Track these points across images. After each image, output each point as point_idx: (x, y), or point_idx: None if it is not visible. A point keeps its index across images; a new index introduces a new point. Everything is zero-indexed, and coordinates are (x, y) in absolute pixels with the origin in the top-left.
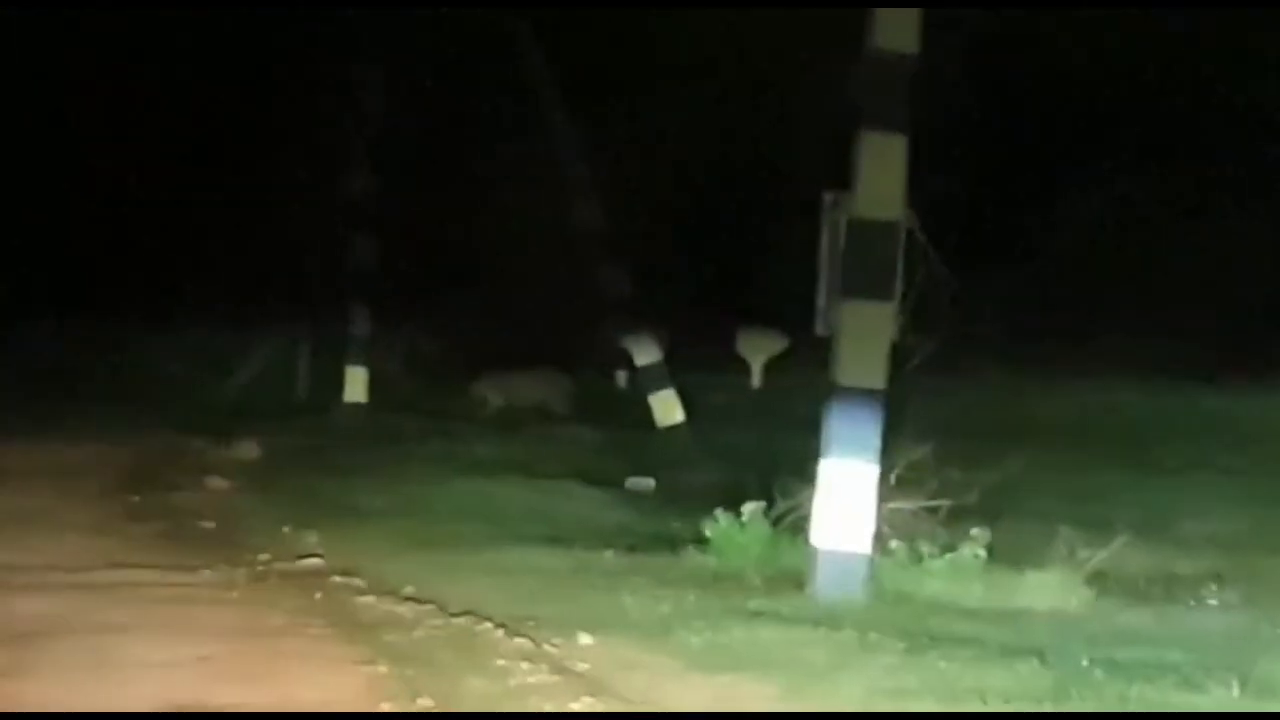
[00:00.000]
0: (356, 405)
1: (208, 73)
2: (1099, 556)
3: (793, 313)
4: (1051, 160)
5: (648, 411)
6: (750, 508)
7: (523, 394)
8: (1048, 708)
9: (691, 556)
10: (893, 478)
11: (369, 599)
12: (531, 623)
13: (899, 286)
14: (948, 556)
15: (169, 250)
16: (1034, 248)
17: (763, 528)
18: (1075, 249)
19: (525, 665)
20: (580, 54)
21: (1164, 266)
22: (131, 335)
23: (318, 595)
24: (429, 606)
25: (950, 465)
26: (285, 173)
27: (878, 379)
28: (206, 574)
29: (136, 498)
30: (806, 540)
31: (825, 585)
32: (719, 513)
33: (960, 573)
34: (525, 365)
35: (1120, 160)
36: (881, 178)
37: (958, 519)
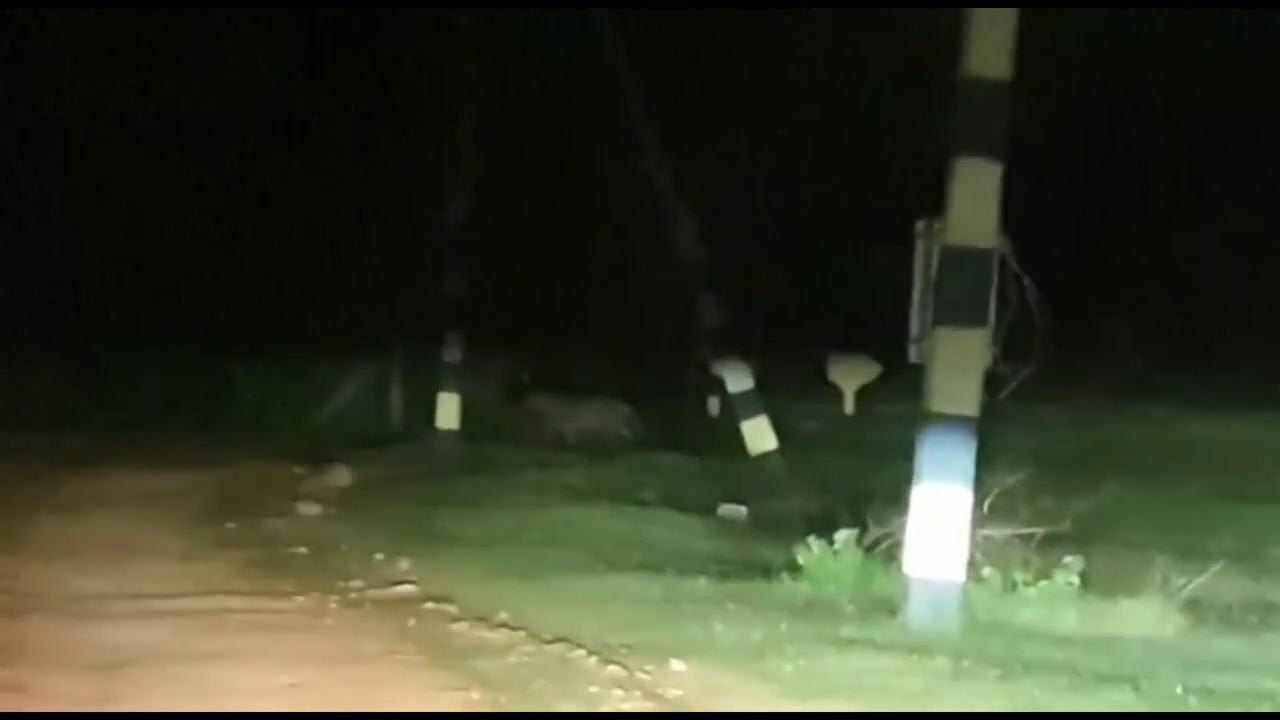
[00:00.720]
0: (449, 432)
1: (303, 106)
2: (1193, 584)
3: (886, 340)
4: (1156, 188)
5: (740, 439)
6: (843, 535)
7: (579, 420)
8: None
9: (784, 584)
10: (986, 505)
11: (462, 625)
12: (624, 650)
13: (992, 314)
14: (1041, 584)
15: (264, 279)
16: (1133, 276)
17: (855, 555)
18: (1174, 277)
19: (618, 692)
20: (675, 83)
21: (1263, 294)
22: (228, 363)
23: (410, 622)
24: (521, 633)
25: (1044, 493)
26: (379, 201)
27: (971, 406)
28: (299, 601)
29: (230, 524)
30: (899, 567)
31: (918, 613)
32: (812, 540)
33: (1054, 600)
34: (589, 393)
35: (1226, 188)
36: (975, 205)
37: (1051, 546)
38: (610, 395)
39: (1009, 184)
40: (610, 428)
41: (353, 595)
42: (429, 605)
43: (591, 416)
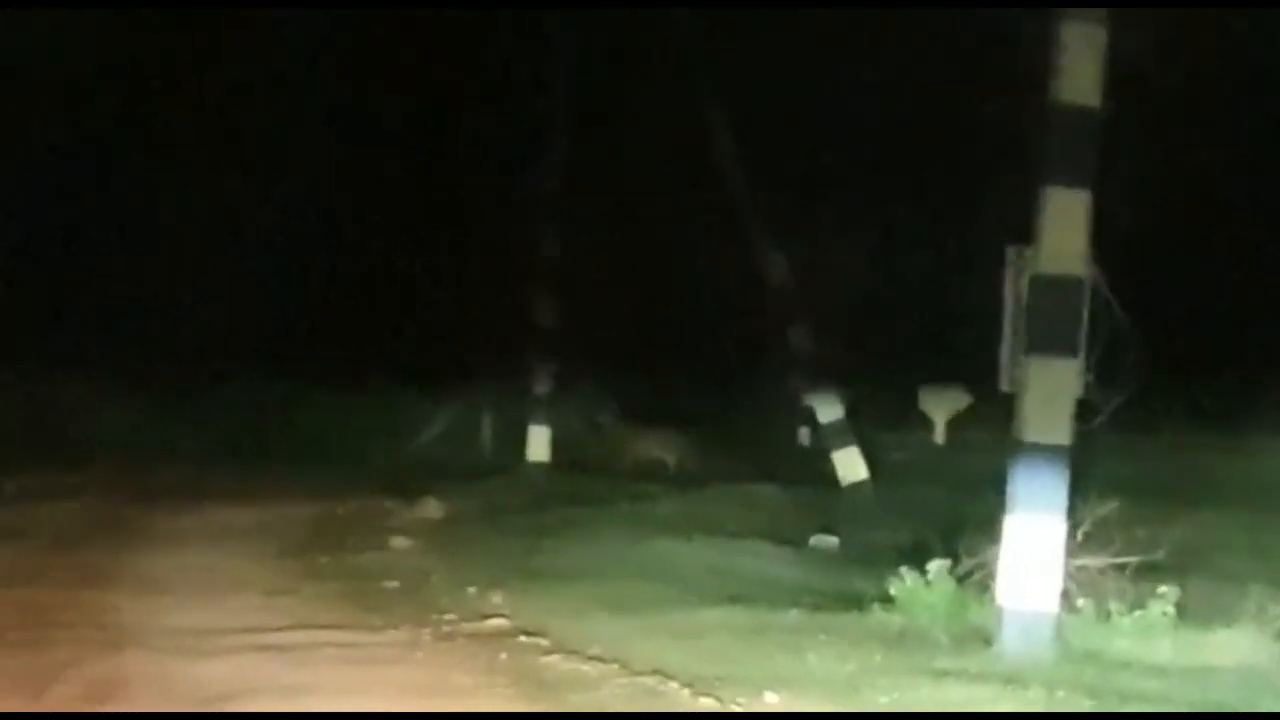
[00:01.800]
0: (539, 464)
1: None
2: None
3: (976, 369)
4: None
5: (831, 469)
6: (935, 565)
7: (639, 449)
8: None
9: (876, 615)
10: (1079, 534)
11: (554, 659)
12: (717, 682)
13: (1084, 342)
14: (1135, 614)
15: (358, 311)
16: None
17: (948, 585)
18: (1266, 304)
19: None
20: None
21: None
22: (320, 396)
23: (503, 655)
24: (614, 666)
25: (1137, 522)
26: (472, 233)
27: (1063, 435)
28: (391, 634)
29: (322, 558)
30: (992, 598)
31: (1012, 643)
32: (904, 570)
33: (1148, 630)
34: (656, 423)
35: None
36: (1065, 233)
37: (1145, 576)
38: (694, 426)
39: (1100, 210)
40: (667, 458)
41: (445, 629)
42: (521, 638)
43: (652, 446)
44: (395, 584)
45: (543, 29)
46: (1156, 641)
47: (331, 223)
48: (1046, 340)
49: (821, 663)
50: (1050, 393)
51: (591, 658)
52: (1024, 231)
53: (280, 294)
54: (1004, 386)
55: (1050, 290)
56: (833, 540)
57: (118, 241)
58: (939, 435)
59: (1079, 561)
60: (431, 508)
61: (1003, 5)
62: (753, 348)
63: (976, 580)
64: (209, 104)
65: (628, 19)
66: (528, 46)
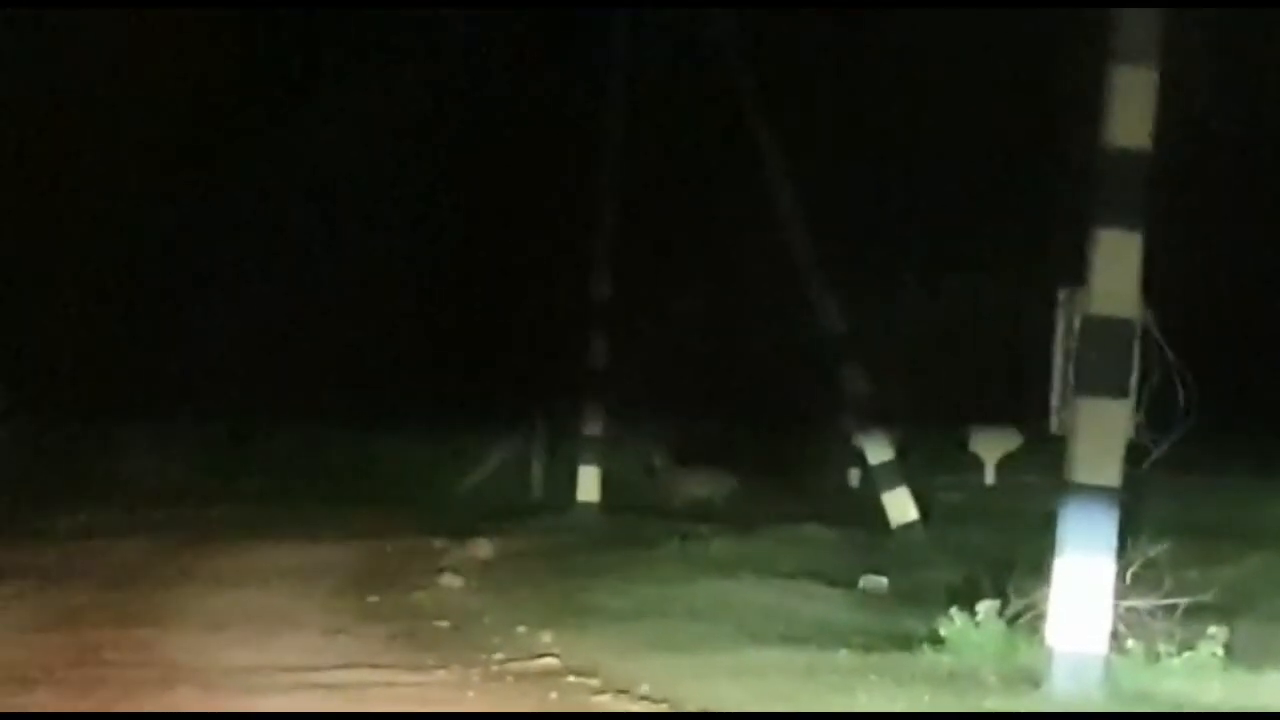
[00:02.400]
0: (589, 504)
1: (449, 181)
2: None
3: (1027, 410)
4: None
5: (881, 510)
6: (985, 606)
7: (691, 488)
8: None
9: (926, 655)
10: (1128, 576)
11: (604, 698)
12: None
13: (1135, 384)
14: (1185, 655)
15: (409, 350)
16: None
17: (998, 627)
18: None
19: None
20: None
21: None
22: (372, 436)
23: (553, 695)
24: (664, 705)
25: (1187, 563)
26: (523, 274)
27: (1113, 477)
28: (441, 674)
29: (372, 598)
30: (1042, 639)
31: (1061, 684)
32: (954, 611)
33: (1198, 672)
34: (707, 463)
35: None
36: (1116, 275)
37: (1195, 617)
38: (745, 467)
39: (1151, 251)
40: (717, 497)
41: (495, 668)
42: (571, 678)
43: (699, 485)
44: (446, 623)
45: (595, 68)
46: (1206, 683)
47: (385, 263)
48: (1097, 382)
49: (872, 702)
50: (1101, 434)
51: (641, 697)
52: (1078, 273)
53: (334, 335)
54: (1054, 428)
55: (1101, 332)
56: (882, 581)
57: (174, 282)
58: (989, 476)
59: (1129, 603)
60: (482, 547)
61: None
62: (804, 389)
63: (1026, 621)
64: (270, 138)
65: (680, 54)
66: (581, 86)
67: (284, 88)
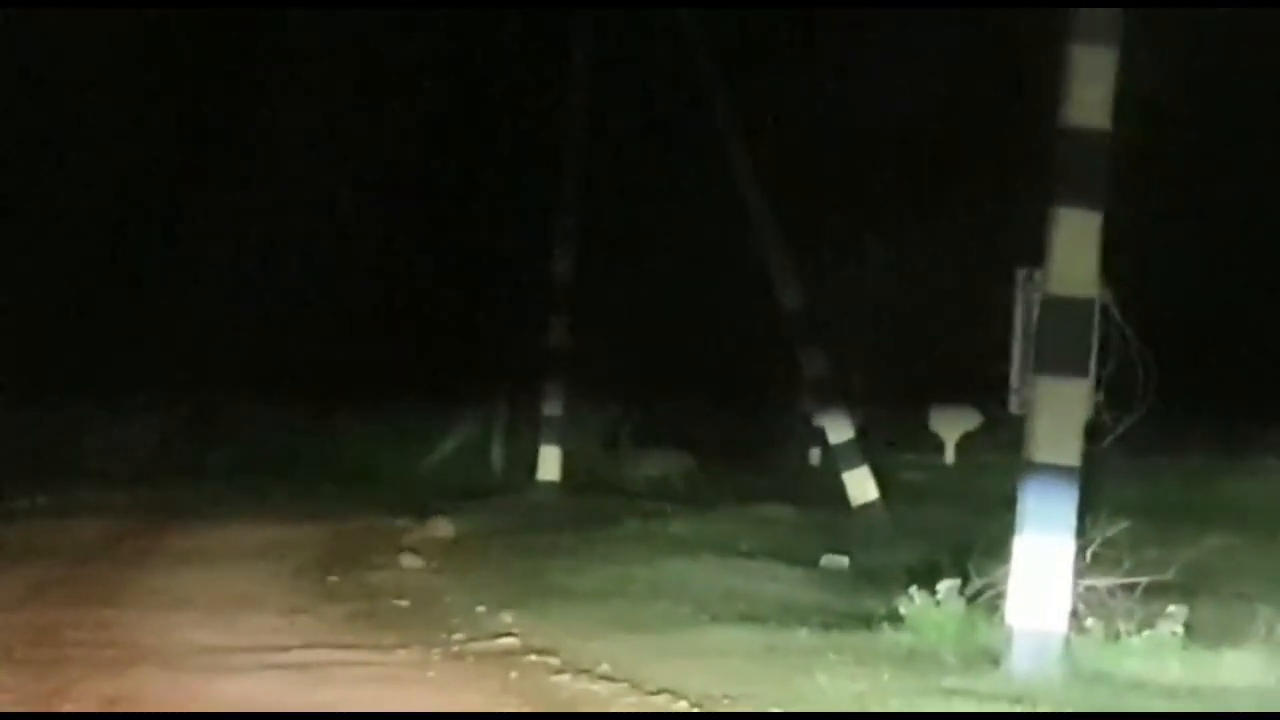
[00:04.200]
0: (550, 484)
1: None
2: None
3: (986, 390)
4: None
5: (842, 489)
6: (945, 585)
7: (642, 468)
8: None
9: (886, 635)
10: (1089, 555)
11: (564, 678)
12: (726, 701)
13: (1094, 363)
14: (1145, 634)
15: (369, 330)
16: (1237, 323)
17: (958, 606)
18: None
19: None
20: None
21: None
22: (334, 416)
23: (513, 674)
24: (624, 685)
25: (1146, 543)
26: (483, 254)
27: (1073, 456)
28: (402, 654)
29: (333, 577)
30: (1002, 618)
31: (1021, 663)
32: (914, 590)
33: (1157, 651)
34: (655, 445)
35: None
36: (1076, 255)
37: (1154, 597)
38: (705, 446)
39: (1110, 231)
40: (672, 479)
41: (456, 648)
42: (531, 658)
43: (654, 465)
44: (406, 603)
45: (560, 47)
46: (1166, 662)
47: (346, 244)
48: (1056, 361)
49: (831, 682)
50: (1060, 414)
51: (601, 677)
52: (1036, 252)
53: (295, 315)
54: (1014, 408)
55: (1061, 312)
56: (843, 560)
57: (139, 261)
58: (949, 456)
59: (1088, 582)
60: (442, 527)
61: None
62: (765, 369)
63: (986, 600)
64: (233, 121)
65: (643, 33)
66: (545, 67)
67: (247, 75)
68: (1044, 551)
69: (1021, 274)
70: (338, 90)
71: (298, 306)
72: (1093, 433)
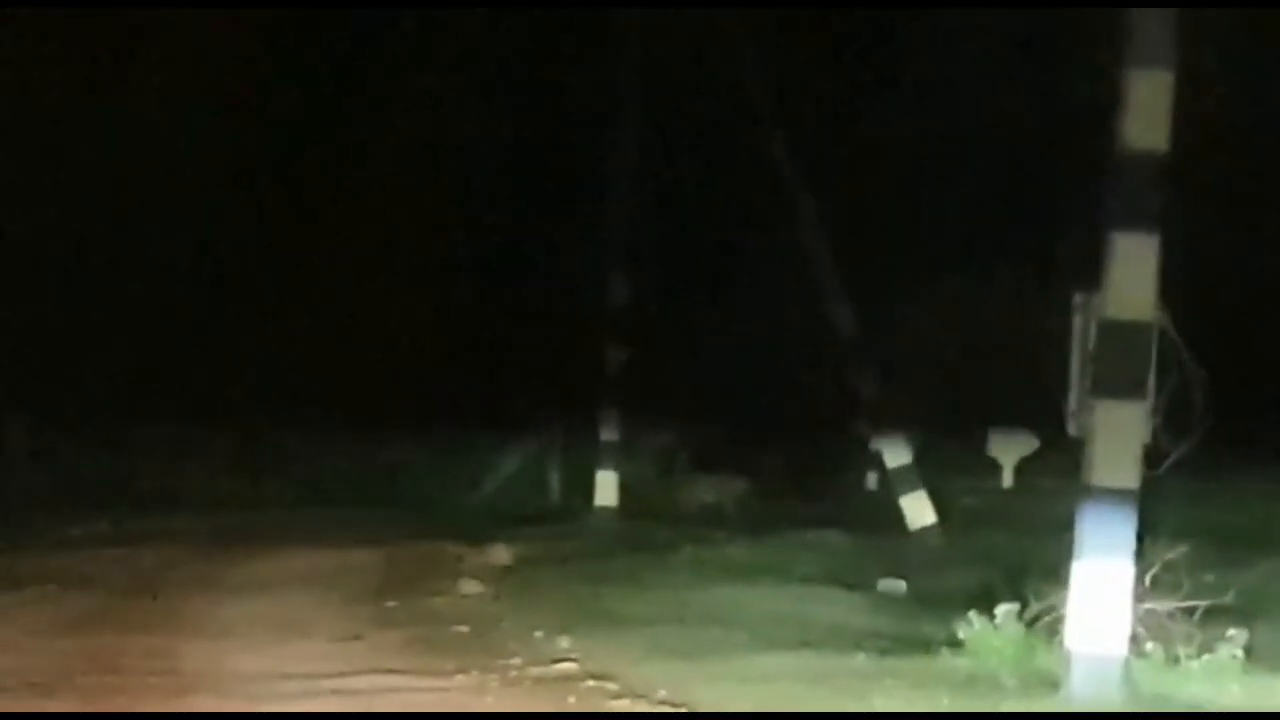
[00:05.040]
0: (607, 509)
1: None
2: None
3: (1044, 414)
4: None
5: (899, 514)
6: (1004, 610)
7: (696, 494)
8: None
9: (944, 659)
10: (1147, 579)
11: (622, 703)
12: None
13: (1152, 387)
14: (1205, 658)
15: (425, 357)
16: None
17: (1016, 630)
18: None
19: None
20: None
21: None
22: (388, 441)
23: (571, 699)
24: (682, 709)
25: (1205, 566)
26: (539, 280)
27: (1131, 479)
28: (460, 679)
29: (390, 603)
30: (1061, 642)
31: (1080, 688)
32: (972, 615)
33: (1218, 674)
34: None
35: None
36: (1133, 279)
37: (1214, 620)
38: (762, 472)
39: (1166, 252)
40: (725, 504)
41: (513, 673)
42: (589, 683)
43: (710, 490)
44: (464, 628)
45: (612, 70)
46: (1226, 685)
47: (403, 271)
48: (1114, 385)
49: (889, 707)
50: (1118, 437)
51: (659, 702)
52: (1094, 277)
53: (352, 342)
54: (1072, 431)
55: (1118, 336)
56: (900, 585)
57: (195, 289)
58: (1007, 479)
59: (1147, 605)
60: (500, 553)
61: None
62: (822, 393)
63: (1045, 624)
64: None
65: (696, 59)
66: (600, 94)
67: (309, 95)
68: (1103, 575)
69: (1079, 298)
70: (400, 118)
71: (354, 332)
72: (1151, 456)
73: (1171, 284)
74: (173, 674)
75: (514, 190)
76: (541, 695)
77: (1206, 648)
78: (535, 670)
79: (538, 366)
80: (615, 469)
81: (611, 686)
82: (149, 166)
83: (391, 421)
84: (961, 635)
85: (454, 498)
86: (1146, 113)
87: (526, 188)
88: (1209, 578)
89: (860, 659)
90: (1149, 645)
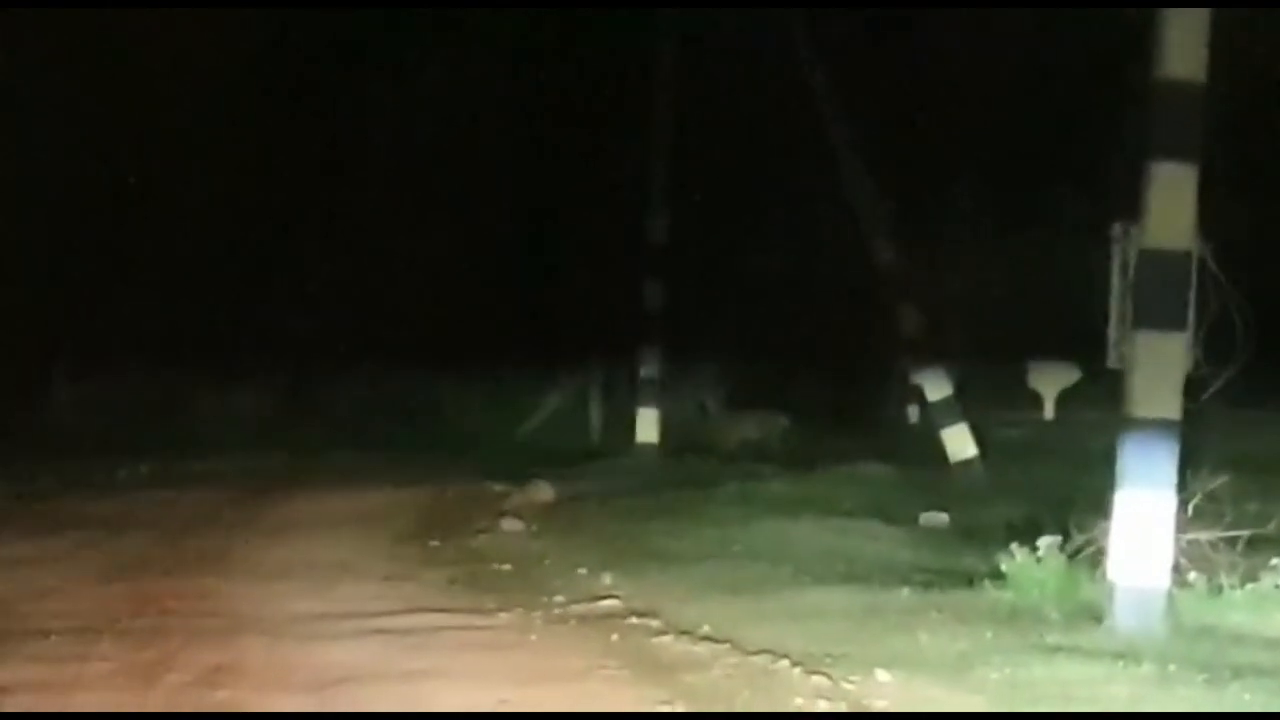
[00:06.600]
0: (648, 446)
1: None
2: None
3: (1085, 345)
4: None
5: (940, 447)
6: (1046, 542)
7: (740, 431)
8: None
9: (987, 592)
10: (1190, 509)
11: (666, 639)
12: (828, 660)
13: (1192, 317)
14: (1248, 587)
15: (465, 295)
16: None
17: (1059, 562)
18: None
19: (823, 703)
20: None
21: None
22: (428, 381)
23: (614, 637)
24: (726, 646)
25: (1247, 496)
26: (580, 217)
27: (1172, 410)
28: (504, 618)
29: (433, 542)
30: (1104, 574)
31: (1123, 619)
32: (1014, 548)
33: (1261, 603)
34: (751, 406)
35: None
36: (1171, 208)
37: (1257, 549)
38: (802, 408)
39: (1206, 184)
40: (767, 440)
41: (557, 611)
42: (633, 620)
43: (751, 427)
44: (508, 567)
45: (650, 19)
46: (1270, 614)
47: (443, 212)
48: (1154, 315)
49: (934, 641)
50: (1158, 368)
51: (703, 638)
52: (1134, 208)
53: (393, 283)
54: (1112, 363)
55: (1157, 265)
56: (943, 518)
57: (240, 235)
58: (1048, 411)
59: (1190, 536)
60: (542, 491)
61: None
62: (862, 328)
63: (1087, 556)
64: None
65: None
66: (636, 35)
67: (348, 67)
68: (1145, 506)
69: (1118, 228)
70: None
71: (394, 274)
72: (1192, 386)
73: (1210, 211)
74: (220, 615)
75: (554, 130)
76: (585, 632)
77: (1250, 577)
78: (578, 608)
79: (577, 304)
80: (656, 406)
81: (655, 623)
82: (193, 106)
83: (432, 362)
84: (1004, 568)
85: (496, 436)
86: (1184, 41)
87: (566, 128)
88: (1251, 507)
89: (904, 593)
90: (1192, 576)
